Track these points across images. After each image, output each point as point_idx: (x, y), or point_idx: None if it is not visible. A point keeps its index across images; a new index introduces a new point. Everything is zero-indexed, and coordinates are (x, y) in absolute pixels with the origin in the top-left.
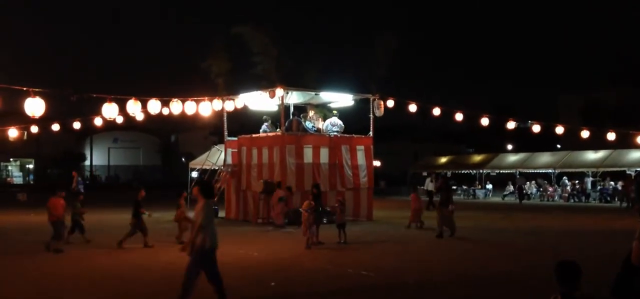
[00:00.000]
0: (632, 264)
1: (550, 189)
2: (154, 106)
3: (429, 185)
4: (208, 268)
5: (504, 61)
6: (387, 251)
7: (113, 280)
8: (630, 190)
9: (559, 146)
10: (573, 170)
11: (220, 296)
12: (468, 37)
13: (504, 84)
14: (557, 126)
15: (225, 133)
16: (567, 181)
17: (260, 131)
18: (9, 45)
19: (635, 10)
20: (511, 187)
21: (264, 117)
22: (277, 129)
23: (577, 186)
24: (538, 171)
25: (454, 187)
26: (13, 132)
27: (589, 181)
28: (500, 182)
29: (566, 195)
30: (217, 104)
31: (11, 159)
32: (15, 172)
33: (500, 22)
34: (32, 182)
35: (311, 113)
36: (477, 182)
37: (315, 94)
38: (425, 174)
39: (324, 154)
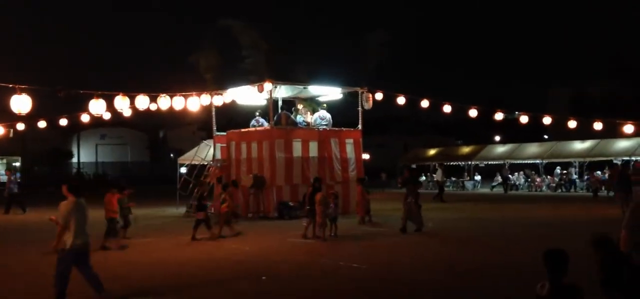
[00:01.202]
0: (621, 253)
1: (538, 179)
2: (142, 102)
3: (440, 176)
4: (68, 268)
5: (493, 56)
6: (378, 244)
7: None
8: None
9: (546, 136)
10: (560, 160)
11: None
12: (458, 31)
13: (493, 78)
14: (544, 116)
15: (214, 128)
16: (558, 171)
17: (250, 125)
18: None
19: (623, 5)
20: (499, 178)
21: (258, 112)
22: (266, 123)
23: (564, 176)
24: (526, 161)
25: (445, 179)
26: None
27: (573, 170)
28: (488, 173)
29: (553, 185)
30: (205, 99)
31: None
32: (1, 170)
33: (489, 17)
34: (19, 180)
35: (300, 107)
36: (466, 173)
37: (304, 88)
38: (435, 164)
39: (313, 148)
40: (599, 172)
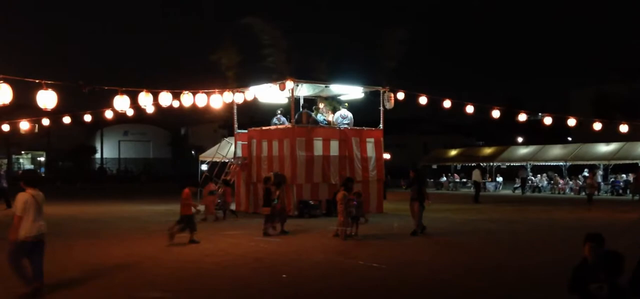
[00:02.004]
0: None
1: (561, 181)
2: (165, 98)
3: (477, 176)
4: (22, 258)
5: (515, 54)
6: (398, 244)
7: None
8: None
9: (569, 138)
10: (584, 163)
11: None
12: (479, 30)
13: (515, 77)
14: (568, 118)
15: (235, 126)
16: (586, 174)
17: (271, 123)
18: (21, 38)
19: None
20: (531, 180)
21: (279, 109)
22: (286, 122)
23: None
24: (549, 163)
25: (464, 180)
26: (24, 125)
27: (599, 173)
28: (510, 175)
29: (577, 188)
30: (227, 97)
31: (23, 152)
32: (26, 165)
33: (511, 16)
34: (43, 175)
35: (321, 105)
36: (488, 175)
37: (326, 87)
38: (473, 164)
39: (334, 147)
40: (624, 175)
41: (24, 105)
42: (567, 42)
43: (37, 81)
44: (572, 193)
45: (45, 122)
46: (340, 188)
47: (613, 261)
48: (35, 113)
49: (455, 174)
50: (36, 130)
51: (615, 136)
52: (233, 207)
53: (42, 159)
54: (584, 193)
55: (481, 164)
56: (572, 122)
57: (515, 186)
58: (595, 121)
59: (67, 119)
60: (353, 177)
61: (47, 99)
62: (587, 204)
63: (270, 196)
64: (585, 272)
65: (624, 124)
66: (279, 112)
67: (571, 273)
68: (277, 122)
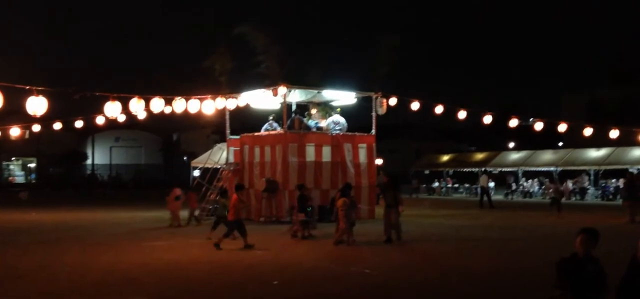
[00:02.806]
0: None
1: (552, 187)
2: (157, 104)
3: (484, 181)
4: None
5: (506, 60)
6: (390, 250)
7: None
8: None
9: (561, 144)
10: (575, 168)
11: None
12: (471, 35)
13: (507, 83)
14: (559, 123)
15: (228, 132)
16: (585, 177)
17: (263, 129)
18: (11, 43)
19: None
20: (514, 185)
21: (271, 116)
22: (278, 127)
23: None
24: (540, 169)
25: (456, 185)
26: (15, 131)
27: (585, 178)
28: (502, 180)
29: (567, 193)
30: (220, 103)
31: (13, 158)
32: (17, 172)
33: (502, 21)
34: (33, 181)
35: (314, 111)
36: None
37: (318, 92)
38: (482, 169)
39: (327, 153)
40: (614, 180)
41: (14, 111)
42: (560, 47)
43: (27, 88)
44: (563, 198)
45: (36, 128)
46: (337, 193)
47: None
48: (26, 119)
49: (448, 179)
50: (27, 136)
51: (606, 142)
52: (197, 213)
53: (33, 165)
54: (574, 198)
55: (487, 170)
56: (562, 127)
57: (507, 191)
58: (586, 127)
59: (57, 125)
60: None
61: (37, 105)
62: (553, 211)
63: (305, 203)
64: (574, 266)
65: (614, 129)
66: (271, 118)
67: (555, 268)
68: (269, 128)
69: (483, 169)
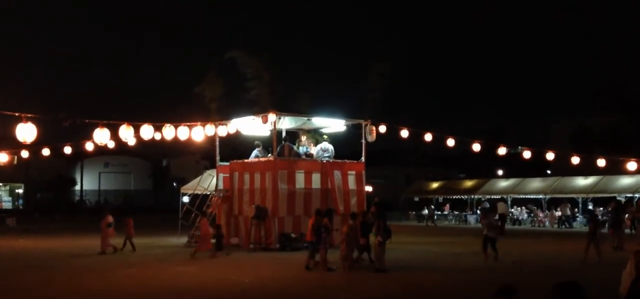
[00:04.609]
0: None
1: (541, 214)
2: (147, 131)
3: (503, 208)
4: None
5: (494, 88)
6: (378, 276)
7: None
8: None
9: (549, 171)
10: (563, 196)
11: None
12: (460, 63)
13: (496, 110)
14: (547, 151)
15: (217, 158)
16: (568, 206)
17: (252, 156)
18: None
19: (625, 37)
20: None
21: (256, 142)
22: (269, 155)
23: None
24: (529, 196)
25: (446, 213)
26: (3, 157)
27: (569, 206)
28: (491, 207)
29: (555, 221)
30: (209, 129)
31: (1, 184)
32: (4, 197)
33: (491, 50)
34: (21, 207)
35: (303, 138)
36: (468, 207)
37: (308, 120)
38: (499, 197)
39: (316, 180)
40: (601, 208)
41: (2, 137)
42: (547, 75)
43: (16, 115)
44: (550, 226)
45: (25, 154)
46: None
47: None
48: (14, 145)
49: (446, 206)
50: (15, 162)
51: (594, 170)
52: (133, 240)
53: (20, 191)
54: (564, 226)
55: (504, 197)
56: (550, 156)
57: (495, 218)
58: (573, 155)
59: (46, 151)
60: (335, 209)
61: (26, 132)
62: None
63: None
64: None
65: (601, 158)
66: (256, 143)
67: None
68: (258, 154)
69: (501, 196)
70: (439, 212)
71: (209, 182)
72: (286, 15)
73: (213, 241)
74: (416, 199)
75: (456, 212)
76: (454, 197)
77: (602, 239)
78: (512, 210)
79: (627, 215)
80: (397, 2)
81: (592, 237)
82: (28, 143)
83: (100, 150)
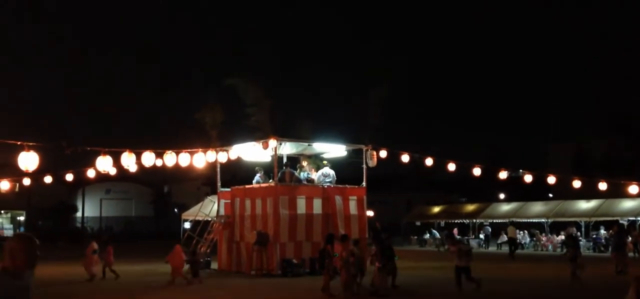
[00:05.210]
0: None
1: (544, 238)
2: (148, 158)
3: (513, 232)
4: None
5: (494, 111)
6: None
7: None
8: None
9: (550, 195)
10: (566, 219)
11: None
12: (459, 86)
13: (495, 133)
14: (549, 175)
15: (219, 184)
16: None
17: (253, 181)
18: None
19: (625, 61)
20: (505, 237)
21: (256, 167)
22: (270, 180)
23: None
24: (531, 220)
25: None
26: (5, 185)
27: (574, 230)
28: (494, 231)
29: (558, 245)
30: (210, 156)
31: (2, 211)
32: (5, 225)
33: (490, 73)
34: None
35: (304, 163)
36: (471, 231)
37: (309, 145)
38: (508, 220)
39: (317, 205)
40: (604, 231)
41: (4, 164)
42: (548, 98)
43: (18, 143)
44: (553, 250)
45: (26, 182)
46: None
47: None
48: (16, 173)
49: (454, 230)
50: (17, 189)
51: (596, 193)
52: (114, 268)
53: (22, 218)
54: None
55: (513, 220)
56: (552, 179)
57: (498, 241)
58: (574, 179)
59: (48, 179)
60: (336, 235)
61: (28, 160)
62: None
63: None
64: None
65: (602, 181)
66: (257, 170)
67: None
68: (260, 180)
69: (510, 220)
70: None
71: (211, 208)
72: (285, 36)
73: (187, 267)
74: (418, 223)
75: (459, 237)
76: (456, 221)
77: (605, 263)
78: (507, 234)
79: (629, 238)
80: (397, 21)
81: (573, 261)
82: (30, 171)
83: (102, 177)
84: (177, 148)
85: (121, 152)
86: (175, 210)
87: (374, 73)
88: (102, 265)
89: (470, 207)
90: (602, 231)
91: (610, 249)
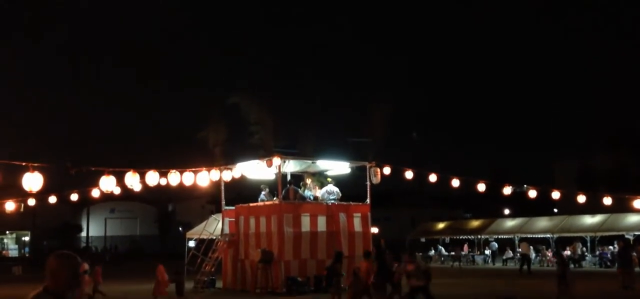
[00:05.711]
0: None
1: (549, 254)
2: (152, 178)
3: (526, 249)
4: None
5: (499, 126)
6: None
7: None
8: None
9: (555, 210)
10: (571, 235)
11: None
12: (462, 102)
13: (499, 149)
14: (553, 190)
15: (223, 202)
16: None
17: (258, 199)
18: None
19: (629, 75)
20: (510, 253)
21: (262, 185)
22: (275, 198)
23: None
24: (536, 235)
25: (453, 253)
26: (10, 206)
27: (580, 245)
28: (499, 247)
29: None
30: (214, 174)
31: (7, 232)
32: (10, 245)
33: (495, 89)
34: (27, 255)
35: (308, 181)
36: (476, 247)
37: (312, 162)
38: (516, 236)
39: (322, 223)
40: (610, 247)
41: (9, 185)
42: (553, 113)
43: (23, 164)
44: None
45: (31, 202)
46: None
47: None
48: (21, 193)
49: (465, 246)
50: (22, 209)
51: (601, 208)
52: (101, 288)
53: (27, 238)
54: (573, 266)
55: (528, 236)
56: (556, 195)
57: (504, 258)
58: (579, 194)
59: (53, 199)
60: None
61: (33, 181)
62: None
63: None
64: None
65: (607, 196)
66: (262, 187)
67: None
68: (264, 198)
69: (522, 235)
70: (454, 253)
71: (215, 226)
72: (288, 51)
73: (172, 285)
74: (423, 240)
75: (464, 253)
76: (461, 237)
77: (611, 278)
78: (520, 250)
79: (634, 253)
80: (400, 34)
81: (562, 278)
82: (34, 192)
83: (106, 196)
84: (181, 167)
85: (125, 172)
86: (180, 229)
87: (377, 84)
88: (92, 286)
89: (475, 223)
90: (611, 247)
91: (616, 264)
